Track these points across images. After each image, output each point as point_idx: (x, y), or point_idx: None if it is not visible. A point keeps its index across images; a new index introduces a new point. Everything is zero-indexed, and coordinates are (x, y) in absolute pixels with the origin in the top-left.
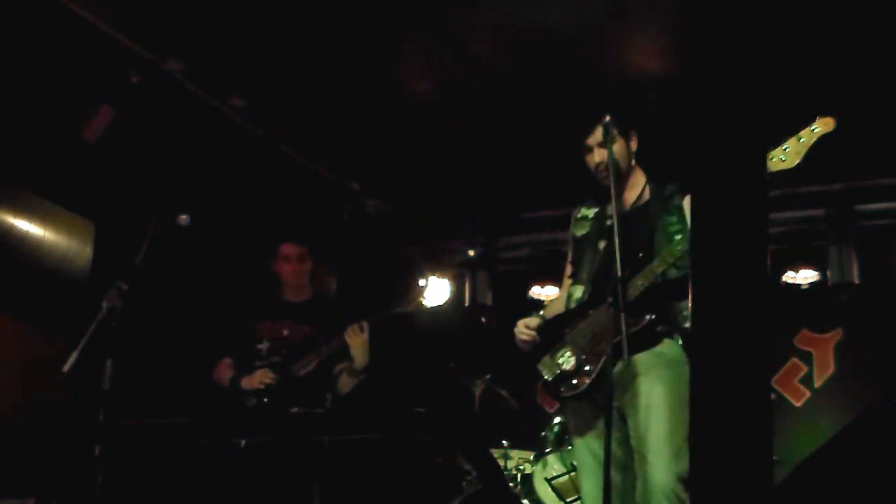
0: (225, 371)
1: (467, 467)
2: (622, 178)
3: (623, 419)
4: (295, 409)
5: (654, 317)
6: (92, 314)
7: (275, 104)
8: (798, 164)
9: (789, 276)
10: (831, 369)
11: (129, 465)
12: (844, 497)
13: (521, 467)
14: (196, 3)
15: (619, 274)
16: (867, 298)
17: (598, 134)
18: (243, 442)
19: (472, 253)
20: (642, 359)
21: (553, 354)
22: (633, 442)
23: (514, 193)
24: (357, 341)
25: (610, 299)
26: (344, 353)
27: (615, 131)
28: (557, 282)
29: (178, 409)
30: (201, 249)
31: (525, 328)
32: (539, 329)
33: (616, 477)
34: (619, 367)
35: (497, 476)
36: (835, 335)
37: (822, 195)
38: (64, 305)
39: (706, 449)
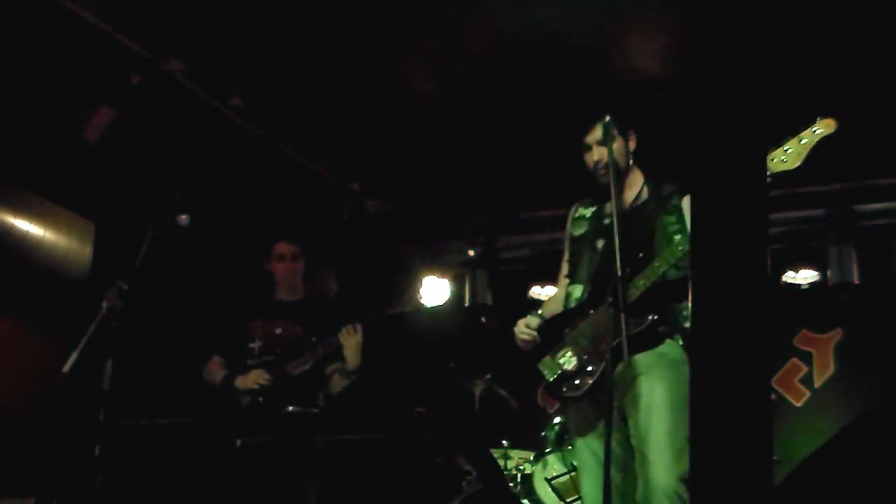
0: (216, 369)
1: (467, 467)
2: (621, 177)
3: (624, 419)
4: (292, 409)
5: (656, 317)
6: (92, 314)
7: (275, 104)
8: (799, 166)
9: (789, 276)
10: (831, 369)
11: (129, 465)
12: (844, 497)
13: (521, 467)
14: (196, 3)
15: (620, 273)
16: (867, 298)
17: (597, 132)
18: (238, 442)
19: (472, 253)
20: (643, 359)
21: (554, 354)
22: (633, 442)
23: (513, 193)
24: (351, 342)
25: (610, 299)
26: (338, 353)
27: (614, 130)
28: (556, 281)
29: (178, 409)
30: (201, 249)
31: (525, 328)
32: (539, 329)
33: (616, 477)
34: (620, 367)
35: (497, 476)
36: (835, 335)
37: (822, 195)
38: (64, 305)
39: (706, 449)
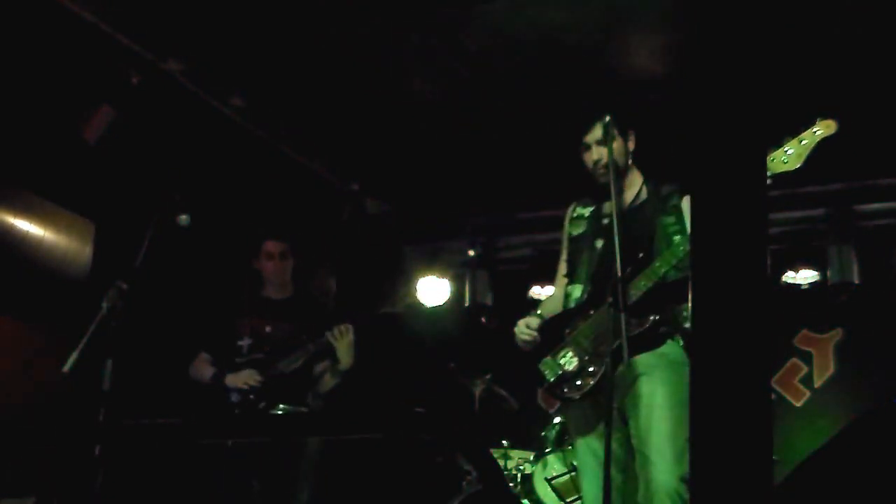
0: (203, 367)
1: (467, 467)
2: (620, 177)
3: (624, 420)
4: (282, 407)
5: (657, 318)
6: (92, 314)
7: (275, 104)
8: (799, 167)
9: (789, 276)
10: (831, 369)
11: (129, 465)
12: (844, 497)
13: (521, 467)
14: (196, 3)
15: (620, 274)
16: (867, 298)
17: (596, 132)
18: (230, 442)
19: (472, 253)
20: (644, 360)
21: (554, 355)
22: (634, 442)
23: (513, 193)
24: (343, 343)
25: (610, 299)
26: (328, 352)
27: (614, 130)
28: (555, 281)
29: (178, 408)
30: (201, 249)
31: (526, 328)
32: (539, 329)
33: (617, 477)
34: (621, 367)
35: (497, 476)
36: (835, 335)
37: (822, 195)
38: (64, 305)
39: (706, 449)
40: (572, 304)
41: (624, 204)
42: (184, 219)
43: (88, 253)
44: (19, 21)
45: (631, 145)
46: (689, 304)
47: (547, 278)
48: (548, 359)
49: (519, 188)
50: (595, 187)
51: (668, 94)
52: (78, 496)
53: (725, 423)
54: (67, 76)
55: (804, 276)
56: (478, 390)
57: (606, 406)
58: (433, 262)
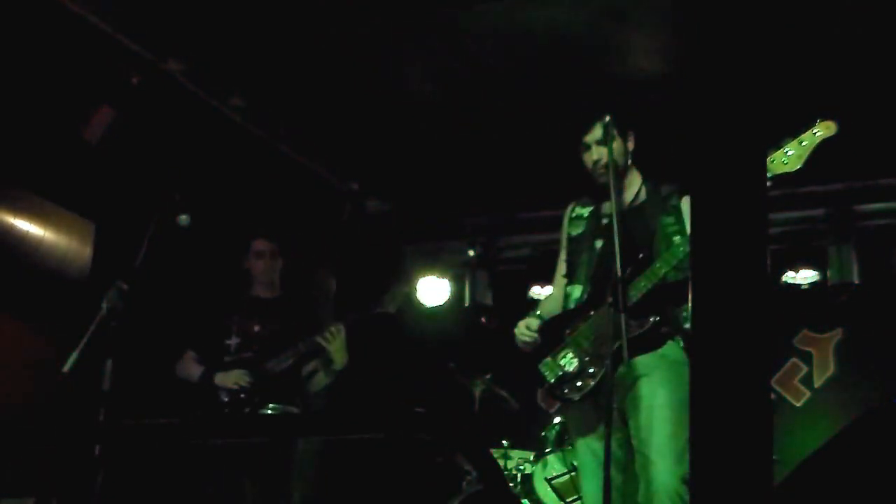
0: (191, 365)
1: (467, 467)
2: (619, 177)
3: (624, 420)
4: (272, 407)
5: (657, 319)
6: (92, 314)
7: (275, 104)
8: (799, 168)
9: (789, 276)
10: (831, 369)
11: (129, 465)
12: (844, 497)
13: (521, 467)
14: (196, 3)
15: (620, 274)
16: (867, 298)
17: (596, 132)
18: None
19: (472, 253)
20: (645, 361)
21: (555, 356)
22: (634, 443)
23: (513, 193)
24: (335, 344)
25: (610, 300)
26: (318, 352)
27: (614, 130)
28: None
29: (176, 408)
30: (200, 249)
31: (526, 329)
32: (539, 330)
33: (617, 478)
34: (621, 368)
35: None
36: (835, 335)
37: (822, 195)
38: (64, 305)
39: (706, 449)
40: (572, 305)
41: (623, 204)
42: (184, 219)
43: (88, 253)
44: (20, 21)
45: (630, 145)
46: (689, 305)
47: (547, 278)
48: (548, 360)
49: (519, 188)
50: (594, 187)
51: (667, 94)
52: (78, 496)
53: (725, 423)
54: (67, 76)
55: (804, 276)
56: (478, 390)
57: (606, 407)
58: (433, 262)
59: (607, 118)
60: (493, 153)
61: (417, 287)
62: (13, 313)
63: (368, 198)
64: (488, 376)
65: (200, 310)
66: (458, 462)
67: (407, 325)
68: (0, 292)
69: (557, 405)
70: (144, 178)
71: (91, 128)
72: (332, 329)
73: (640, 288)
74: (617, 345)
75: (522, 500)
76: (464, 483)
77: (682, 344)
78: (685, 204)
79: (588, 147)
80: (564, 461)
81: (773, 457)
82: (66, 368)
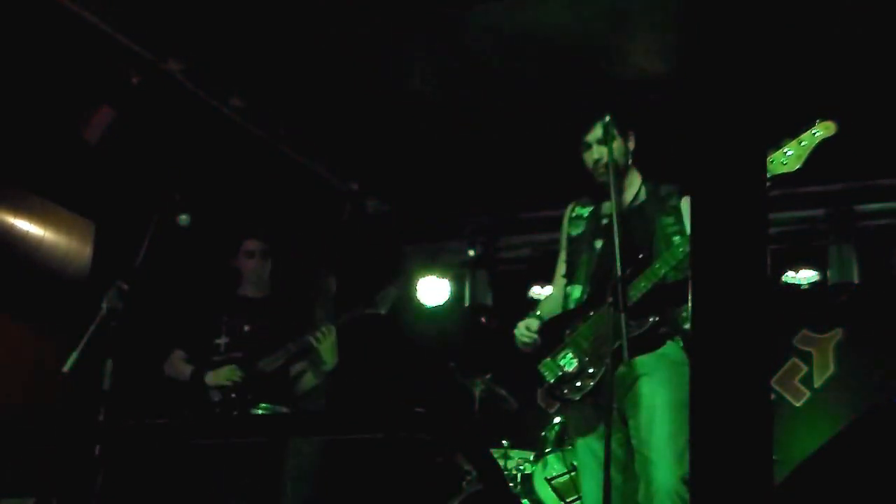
0: (180, 365)
1: (467, 467)
2: (619, 177)
3: (624, 420)
4: (269, 408)
5: (657, 319)
6: (92, 314)
7: (275, 104)
8: (799, 168)
9: (789, 276)
10: (831, 369)
11: (129, 465)
12: (844, 497)
13: (521, 467)
14: (196, 3)
15: (620, 274)
16: (867, 298)
17: (597, 131)
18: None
19: (472, 253)
20: (644, 361)
21: (554, 356)
22: (634, 443)
23: (513, 193)
24: (325, 344)
25: (610, 300)
26: (307, 352)
27: (614, 130)
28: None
29: (167, 408)
30: (202, 249)
31: (526, 330)
32: (539, 331)
33: (617, 478)
34: (621, 368)
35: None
36: (835, 335)
37: (822, 195)
38: (64, 305)
39: (706, 449)
40: (571, 305)
41: (623, 204)
42: (184, 219)
43: (88, 253)
44: (19, 21)
45: (631, 145)
46: (689, 305)
47: (547, 278)
48: (547, 360)
49: (519, 188)
50: (594, 187)
51: (667, 94)
52: (78, 496)
53: (725, 423)
54: (67, 76)
55: (804, 276)
56: (478, 390)
57: (606, 407)
58: (433, 262)
59: (607, 118)
60: (493, 153)
61: (409, 288)
62: (13, 313)
63: (368, 198)
64: (488, 376)
65: (190, 309)
66: (458, 462)
67: (407, 325)
68: (0, 292)
69: (557, 405)
70: (144, 178)
71: (91, 128)
72: (323, 329)
73: (640, 288)
74: (617, 344)
75: (522, 500)
76: (464, 483)
77: (681, 344)
78: (685, 204)
79: (589, 146)
80: (564, 461)
81: (773, 457)
82: (66, 368)
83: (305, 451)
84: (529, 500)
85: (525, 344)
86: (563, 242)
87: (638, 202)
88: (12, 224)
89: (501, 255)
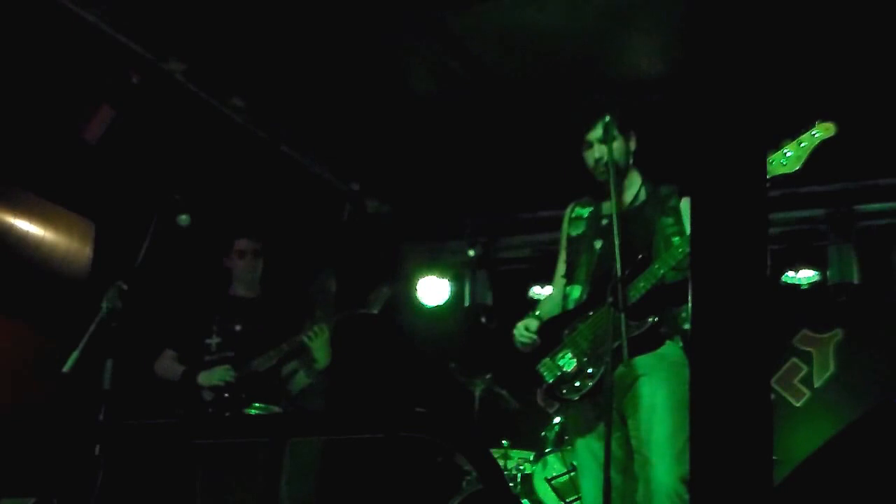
0: (171, 364)
1: (467, 467)
2: (620, 177)
3: (624, 420)
4: (262, 407)
5: (656, 319)
6: (92, 314)
7: (275, 104)
8: (798, 169)
9: (789, 276)
10: (831, 369)
11: (129, 465)
12: (844, 497)
13: (521, 467)
14: (196, 4)
15: (619, 274)
16: (867, 298)
17: (599, 129)
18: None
19: (472, 253)
20: (644, 361)
21: (553, 356)
22: (633, 443)
23: (513, 193)
24: (318, 342)
25: (610, 300)
26: (300, 351)
27: (615, 130)
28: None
29: (159, 408)
30: (202, 249)
31: (525, 330)
32: (538, 331)
33: (616, 478)
34: (620, 368)
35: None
36: (835, 335)
37: (822, 195)
38: (64, 305)
39: (706, 449)
40: (571, 305)
41: (623, 205)
42: (184, 219)
43: (88, 253)
44: (20, 21)
45: (632, 145)
46: (689, 306)
47: (547, 278)
48: (546, 360)
49: (519, 188)
50: (594, 187)
51: (667, 95)
52: (78, 496)
53: (725, 423)
54: (68, 76)
55: (804, 276)
56: (478, 390)
57: (606, 407)
58: (433, 262)
59: (607, 118)
60: (492, 153)
61: (404, 287)
62: (13, 313)
63: (368, 198)
64: (488, 376)
65: (181, 308)
66: (458, 462)
67: (407, 325)
68: (0, 292)
69: (557, 405)
70: (144, 178)
71: (91, 128)
72: (315, 328)
73: (639, 288)
74: (616, 344)
75: (522, 500)
76: (464, 483)
77: (681, 344)
78: (684, 205)
79: (590, 145)
80: (564, 461)
81: (773, 457)
82: (66, 368)
83: (305, 451)
84: (529, 500)
85: (524, 344)
86: (563, 243)
87: (638, 203)
88: (12, 224)
89: (501, 255)
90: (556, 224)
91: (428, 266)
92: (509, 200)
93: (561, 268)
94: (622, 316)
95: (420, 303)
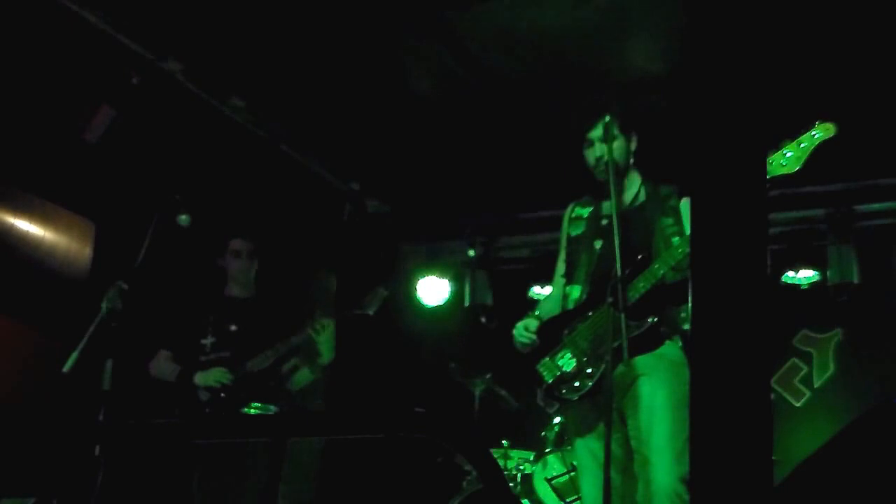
0: (166, 364)
1: (467, 467)
2: (620, 177)
3: (623, 420)
4: (259, 407)
5: (656, 319)
6: (92, 314)
7: (275, 104)
8: (798, 169)
9: (789, 276)
10: (831, 369)
11: (129, 465)
12: (844, 497)
13: (521, 467)
14: (196, 4)
15: (619, 274)
16: (867, 298)
17: (600, 128)
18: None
19: (472, 253)
20: (644, 361)
21: (553, 356)
22: (633, 443)
23: (513, 193)
24: (323, 337)
25: (610, 300)
26: (296, 351)
27: (615, 129)
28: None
29: (168, 408)
30: (201, 249)
31: (525, 331)
32: (538, 331)
33: (616, 478)
34: (620, 368)
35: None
36: (835, 335)
37: (822, 195)
38: (64, 305)
39: (706, 449)
40: (571, 305)
41: (623, 204)
42: (184, 219)
43: (88, 253)
44: (20, 21)
45: (633, 145)
46: (689, 306)
47: (547, 278)
48: (546, 360)
49: (519, 188)
50: (594, 187)
51: (667, 95)
52: (78, 496)
53: (725, 423)
54: (67, 76)
55: (804, 276)
56: (478, 390)
57: (606, 407)
58: (433, 262)
59: (607, 118)
60: (492, 153)
61: (400, 288)
62: (13, 313)
63: (368, 198)
64: (488, 376)
65: (177, 308)
66: (458, 462)
67: (407, 325)
68: (0, 292)
69: (557, 405)
70: (144, 178)
71: (91, 128)
72: (322, 322)
73: (639, 288)
74: (616, 344)
75: (522, 500)
76: (464, 483)
77: (680, 344)
78: (684, 205)
79: (591, 143)
80: (564, 461)
81: (773, 457)
82: (66, 368)
83: (305, 451)
84: (529, 500)
85: (523, 344)
86: (563, 242)
87: (638, 202)
88: (12, 224)
89: (501, 254)
90: (556, 224)
91: (428, 266)
92: (509, 200)
93: (561, 268)
94: (622, 316)
95: (420, 303)
